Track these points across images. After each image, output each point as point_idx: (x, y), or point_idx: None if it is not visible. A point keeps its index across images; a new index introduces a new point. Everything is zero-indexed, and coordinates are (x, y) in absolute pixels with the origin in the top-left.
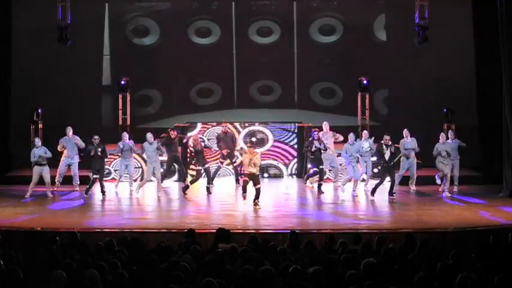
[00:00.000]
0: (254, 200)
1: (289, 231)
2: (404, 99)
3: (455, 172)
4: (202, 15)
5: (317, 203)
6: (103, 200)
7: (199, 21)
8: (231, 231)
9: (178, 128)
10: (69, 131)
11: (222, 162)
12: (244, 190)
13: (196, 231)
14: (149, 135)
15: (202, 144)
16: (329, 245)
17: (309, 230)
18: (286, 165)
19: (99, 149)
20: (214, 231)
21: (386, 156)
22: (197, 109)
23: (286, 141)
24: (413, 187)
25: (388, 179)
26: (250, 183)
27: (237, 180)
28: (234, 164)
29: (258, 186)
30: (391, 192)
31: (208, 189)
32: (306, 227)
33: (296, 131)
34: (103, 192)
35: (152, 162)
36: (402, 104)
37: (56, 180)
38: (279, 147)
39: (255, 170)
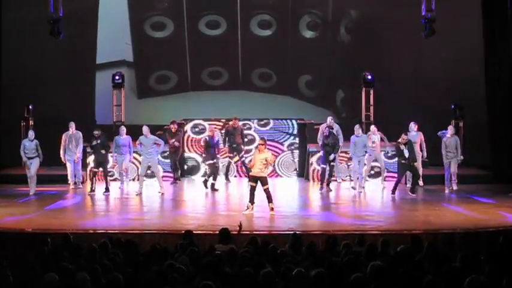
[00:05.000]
0: (268, 203)
1: (290, 232)
2: (409, 95)
3: (453, 169)
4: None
5: (319, 203)
6: (98, 200)
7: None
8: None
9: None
10: (72, 126)
11: (231, 157)
12: (250, 199)
13: (193, 232)
14: (145, 129)
15: (217, 138)
16: (332, 247)
17: (311, 231)
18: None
19: (99, 142)
20: (212, 232)
21: (406, 154)
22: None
23: (281, 140)
24: (421, 183)
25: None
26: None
27: (227, 175)
28: (241, 159)
29: (265, 187)
30: (412, 190)
31: (213, 185)
32: (307, 228)
33: (295, 131)
34: (107, 189)
35: (148, 158)
36: (406, 100)
37: (73, 180)
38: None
39: (261, 170)
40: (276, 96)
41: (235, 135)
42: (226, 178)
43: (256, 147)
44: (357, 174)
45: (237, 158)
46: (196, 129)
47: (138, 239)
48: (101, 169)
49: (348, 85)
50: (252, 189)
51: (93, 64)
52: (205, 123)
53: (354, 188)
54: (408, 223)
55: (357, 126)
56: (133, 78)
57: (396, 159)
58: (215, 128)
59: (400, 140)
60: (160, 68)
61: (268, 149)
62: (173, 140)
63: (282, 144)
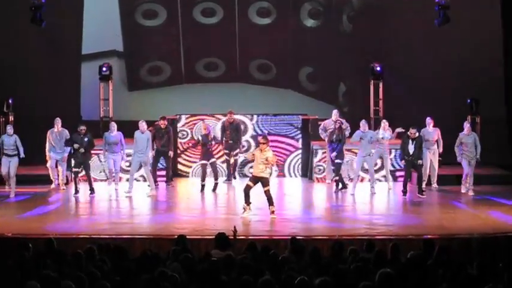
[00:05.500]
0: (269, 206)
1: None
2: (422, 88)
3: (469, 171)
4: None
5: (324, 205)
6: (84, 202)
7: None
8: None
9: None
10: (57, 123)
11: (228, 155)
12: (246, 199)
13: (187, 237)
14: (142, 123)
15: (212, 135)
16: (338, 253)
17: (315, 235)
18: (284, 161)
19: (86, 140)
20: (208, 237)
21: (411, 150)
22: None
23: (292, 134)
24: (434, 185)
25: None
26: (255, 188)
27: (229, 176)
28: (235, 157)
29: (266, 188)
30: (420, 191)
31: (204, 187)
32: (311, 232)
33: (299, 126)
34: (91, 189)
35: (140, 156)
36: (420, 94)
37: (57, 181)
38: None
39: (262, 171)
40: (277, 90)
41: (231, 131)
42: (228, 178)
43: (258, 145)
44: (356, 175)
45: (233, 159)
46: (190, 125)
47: (127, 244)
48: (81, 169)
49: (351, 78)
50: (247, 189)
51: (79, 54)
52: (200, 119)
53: (352, 194)
54: (420, 227)
55: (363, 122)
56: (124, 70)
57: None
58: (210, 124)
59: (408, 134)
60: (152, 58)
61: (278, 146)
62: (162, 141)
63: (295, 139)
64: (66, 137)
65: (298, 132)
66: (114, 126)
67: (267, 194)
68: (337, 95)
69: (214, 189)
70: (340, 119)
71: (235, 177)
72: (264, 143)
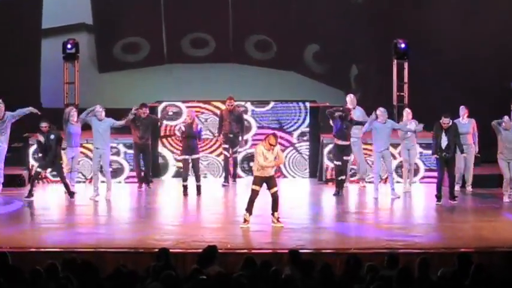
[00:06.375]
0: (273, 213)
1: (298, 249)
2: (453, 72)
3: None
4: None
5: (336, 212)
6: (42, 209)
7: None
8: (219, 250)
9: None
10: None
11: (227, 151)
12: (250, 209)
13: (170, 251)
14: (99, 108)
15: (199, 126)
16: (353, 269)
17: (326, 249)
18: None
19: (52, 137)
20: (195, 251)
21: (444, 143)
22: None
23: (288, 127)
24: (469, 188)
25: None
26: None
27: (226, 179)
28: (234, 155)
29: (274, 189)
30: (451, 195)
31: (187, 188)
32: (321, 244)
33: (307, 118)
34: (70, 194)
35: (100, 149)
36: (451, 78)
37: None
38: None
39: (270, 171)
40: (278, 72)
41: (232, 122)
42: (226, 180)
43: (265, 140)
44: (378, 174)
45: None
46: (171, 114)
47: (98, 259)
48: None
49: (365, 58)
50: (254, 195)
51: (38, 29)
52: (184, 106)
53: (376, 197)
54: (454, 238)
55: (382, 110)
56: (93, 47)
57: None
58: (196, 113)
59: (441, 123)
60: (128, 33)
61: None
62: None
63: (289, 134)
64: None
65: (295, 124)
66: (74, 113)
67: (275, 196)
68: (349, 78)
69: (198, 193)
70: (349, 107)
71: (234, 180)
72: (273, 145)
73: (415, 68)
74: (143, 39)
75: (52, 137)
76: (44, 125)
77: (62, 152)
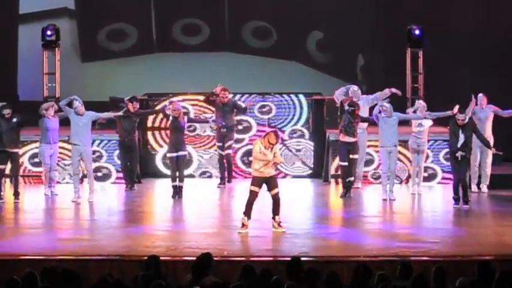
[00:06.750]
0: (274, 216)
1: (302, 257)
2: (474, 62)
3: None
4: None
5: (343, 215)
6: (16, 212)
7: None
8: (214, 258)
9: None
10: None
11: (222, 148)
12: (248, 212)
13: (160, 258)
14: (77, 104)
15: (185, 118)
16: (363, 279)
17: (332, 256)
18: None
19: (14, 121)
20: (188, 258)
21: (460, 141)
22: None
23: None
24: (484, 189)
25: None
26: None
27: (221, 179)
28: (226, 151)
29: (276, 191)
30: (465, 199)
31: (176, 189)
32: (327, 251)
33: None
34: (16, 194)
35: (80, 146)
36: (471, 68)
37: None
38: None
39: (270, 171)
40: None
41: (225, 115)
42: (222, 181)
43: (264, 137)
44: (388, 174)
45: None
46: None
47: (80, 268)
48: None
49: (373, 46)
50: (253, 197)
51: (15, 14)
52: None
53: (385, 199)
54: (474, 245)
55: (387, 106)
56: (76, 34)
57: None
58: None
59: (456, 119)
60: (113, 19)
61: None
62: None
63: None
64: None
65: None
66: (50, 108)
67: (276, 198)
68: (355, 68)
69: (177, 195)
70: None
71: (229, 181)
72: (273, 144)
73: (431, 57)
74: (130, 26)
75: (14, 120)
76: (7, 110)
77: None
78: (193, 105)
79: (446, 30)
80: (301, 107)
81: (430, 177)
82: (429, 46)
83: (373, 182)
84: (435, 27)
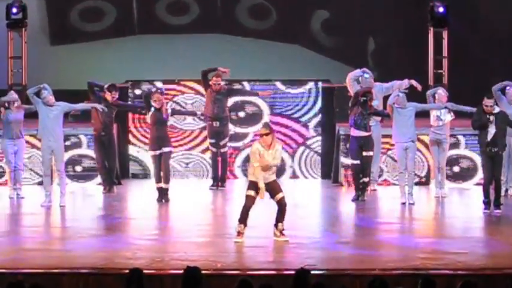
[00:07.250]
0: (276, 223)
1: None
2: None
3: None
4: None
5: (355, 222)
6: None
7: None
8: (205, 272)
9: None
10: None
11: (215, 146)
12: (244, 219)
13: (144, 272)
14: (46, 92)
15: (169, 111)
16: None
17: (344, 269)
18: (292, 155)
19: None
20: (175, 272)
21: (490, 134)
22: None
23: (295, 115)
24: (511, 191)
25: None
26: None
27: (214, 180)
28: (222, 149)
29: (280, 196)
30: (497, 203)
31: (162, 192)
32: (337, 264)
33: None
34: None
35: (51, 141)
36: (500, 52)
37: None
38: (284, 125)
39: (270, 175)
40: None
41: (217, 106)
42: (214, 181)
43: (262, 136)
44: (407, 173)
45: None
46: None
47: (51, 282)
48: None
49: (386, 28)
50: (249, 203)
51: None
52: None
53: (404, 202)
54: (506, 256)
55: (400, 95)
56: (45, 13)
57: None
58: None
59: (483, 108)
60: None
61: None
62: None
63: (304, 124)
64: None
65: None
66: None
67: (281, 203)
68: (365, 53)
69: (163, 198)
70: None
71: (223, 185)
72: (267, 134)
73: (456, 38)
74: (107, 3)
75: None
76: None
77: None
78: (180, 93)
79: (474, 8)
80: (317, 95)
81: (465, 175)
82: (455, 26)
83: (390, 182)
84: (462, 4)
